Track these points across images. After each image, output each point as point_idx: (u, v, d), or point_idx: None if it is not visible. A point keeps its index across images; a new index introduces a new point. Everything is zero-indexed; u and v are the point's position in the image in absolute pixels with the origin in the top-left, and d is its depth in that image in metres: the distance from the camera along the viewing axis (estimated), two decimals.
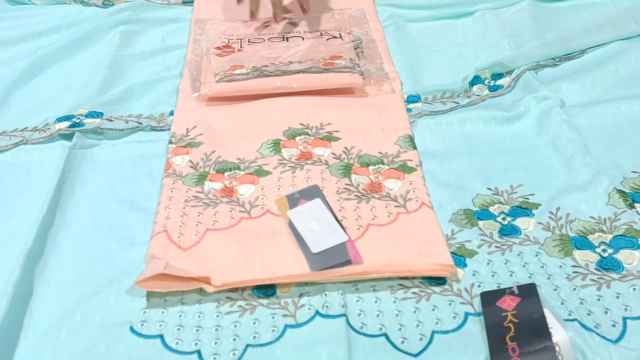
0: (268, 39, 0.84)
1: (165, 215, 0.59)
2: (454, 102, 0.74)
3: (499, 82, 0.77)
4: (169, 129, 0.71)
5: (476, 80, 0.77)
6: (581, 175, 0.60)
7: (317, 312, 0.50)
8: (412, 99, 0.76)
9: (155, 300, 0.52)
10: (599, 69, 0.76)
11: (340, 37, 0.84)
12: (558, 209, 0.58)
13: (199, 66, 0.80)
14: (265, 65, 0.77)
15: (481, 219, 0.58)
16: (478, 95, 0.75)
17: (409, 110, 0.73)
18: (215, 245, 0.56)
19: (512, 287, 0.49)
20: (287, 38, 0.84)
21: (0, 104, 0.76)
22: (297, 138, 0.69)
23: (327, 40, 0.83)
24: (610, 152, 0.65)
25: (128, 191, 0.63)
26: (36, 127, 0.71)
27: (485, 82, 0.77)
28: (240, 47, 0.82)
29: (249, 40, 0.84)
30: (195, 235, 0.57)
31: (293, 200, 0.60)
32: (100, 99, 0.75)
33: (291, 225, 0.58)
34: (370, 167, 0.65)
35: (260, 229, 0.58)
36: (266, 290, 0.52)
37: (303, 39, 0.84)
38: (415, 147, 0.66)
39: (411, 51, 0.86)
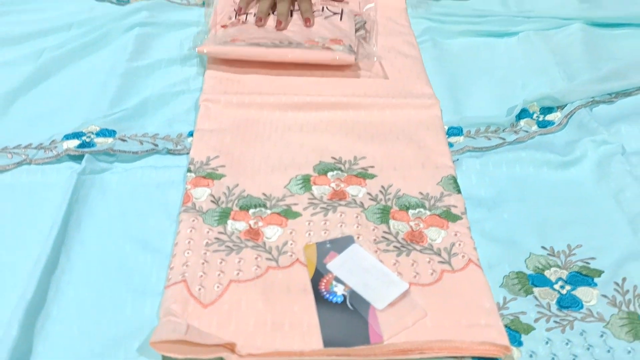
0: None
1: (184, 262, 0.52)
2: (500, 137, 0.68)
3: (548, 117, 0.71)
4: (187, 153, 0.65)
5: (524, 113, 0.71)
6: None
7: None
8: (454, 131, 0.69)
9: None
10: None
11: (341, 14, 0.83)
12: (624, 279, 0.51)
13: (204, 38, 0.81)
14: (266, 44, 0.77)
15: (537, 286, 0.52)
16: (526, 131, 0.68)
17: (450, 145, 0.67)
18: (239, 300, 0.50)
19: None
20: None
21: (1, 112, 0.69)
22: (329, 174, 0.62)
23: (327, 18, 0.83)
24: None
25: (141, 226, 0.57)
26: (41, 144, 0.64)
27: (534, 117, 0.70)
28: (246, 20, 0.81)
29: (254, 14, 0.82)
30: (218, 287, 0.51)
31: (323, 250, 0.54)
32: (112, 113, 0.69)
33: (337, 281, 0.51)
34: (410, 212, 0.58)
35: (289, 283, 0.52)
36: None
37: None
38: (459, 191, 0.60)
39: (451, 72, 0.79)
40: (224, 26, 0.81)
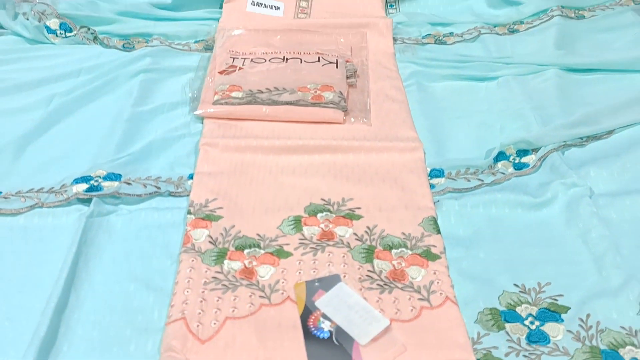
0: (269, 60, 0.89)
1: (184, 300, 0.57)
2: (479, 179, 0.73)
3: (524, 159, 0.76)
4: (187, 195, 0.70)
5: (501, 156, 0.76)
6: (612, 279, 0.59)
7: None
8: (436, 173, 0.74)
9: None
10: (629, 154, 0.74)
11: (337, 64, 0.88)
12: (588, 315, 0.56)
13: (201, 85, 0.87)
14: (260, 91, 0.82)
15: (508, 321, 0.56)
16: (503, 173, 0.73)
17: (432, 186, 0.72)
18: (234, 336, 0.55)
19: None
20: (287, 59, 0.89)
21: (15, 156, 0.75)
22: (319, 215, 0.67)
23: (322, 66, 0.88)
24: None
25: (144, 267, 0.62)
26: (52, 188, 0.69)
27: (510, 159, 0.76)
28: (243, 65, 0.88)
29: (252, 59, 0.89)
30: (215, 324, 0.55)
31: (312, 288, 0.59)
32: (118, 158, 0.74)
33: (325, 318, 0.56)
34: (393, 251, 0.63)
35: (280, 319, 0.56)
36: None
37: (301, 61, 0.89)
38: (439, 232, 0.65)
39: (434, 115, 0.85)
40: (221, 72, 0.87)
